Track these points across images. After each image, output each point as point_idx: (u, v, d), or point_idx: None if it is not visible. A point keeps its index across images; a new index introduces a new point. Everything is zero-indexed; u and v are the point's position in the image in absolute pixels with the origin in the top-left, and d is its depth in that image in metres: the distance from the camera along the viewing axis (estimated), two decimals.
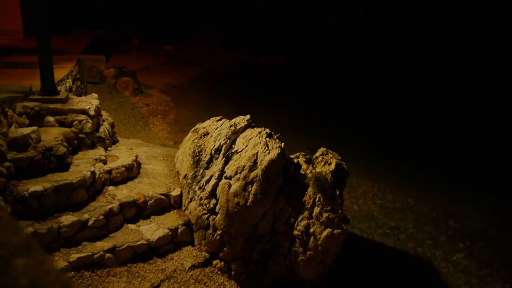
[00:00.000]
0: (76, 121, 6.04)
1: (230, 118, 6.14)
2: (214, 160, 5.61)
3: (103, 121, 6.78)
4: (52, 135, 5.38)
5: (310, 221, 5.01)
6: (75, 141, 5.71)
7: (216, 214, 5.24)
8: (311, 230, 4.98)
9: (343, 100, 16.69)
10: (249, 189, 5.03)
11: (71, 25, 17.10)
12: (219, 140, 5.69)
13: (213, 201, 5.31)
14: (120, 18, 22.52)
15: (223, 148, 5.56)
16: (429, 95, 18.10)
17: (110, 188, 5.49)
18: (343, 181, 5.35)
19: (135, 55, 20.50)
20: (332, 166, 5.20)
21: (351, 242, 6.35)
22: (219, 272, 5.17)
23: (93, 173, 5.16)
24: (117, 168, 5.66)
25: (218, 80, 18.20)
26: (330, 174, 5.10)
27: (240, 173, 5.12)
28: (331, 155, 5.46)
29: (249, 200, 5.00)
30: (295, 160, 5.50)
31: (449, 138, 12.97)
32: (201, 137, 6.09)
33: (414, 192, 8.89)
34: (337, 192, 5.06)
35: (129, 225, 5.18)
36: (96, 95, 7.07)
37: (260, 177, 4.99)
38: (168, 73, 18.03)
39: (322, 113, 14.50)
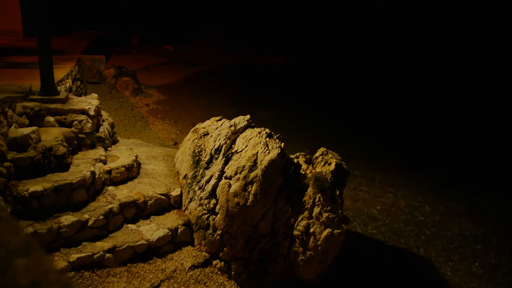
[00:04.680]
0: (76, 121, 6.04)
1: (230, 118, 6.15)
2: (214, 160, 5.61)
3: (103, 121, 6.78)
4: (52, 135, 5.38)
5: (310, 221, 5.01)
6: (75, 141, 5.70)
7: (216, 214, 5.24)
8: (311, 230, 4.98)
9: (343, 100, 16.70)
10: (249, 189, 5.03)
11: (71, 25, 17.10)
12: (219, 140, 5.69)
13: (213, 201, 5.31)
14: (120, 18, 22.52)
15: (223, 148, 5.56)
16: (429, 95, 18.10)
17: (110, 188, 5.49)
18: (343, 181, 5.35)
19: (135, 55, 20.50)
20: (332, 166, 5.20)
21: (351, 242, 6.35)
22: (219, 272, 5.17)
23: (93, 173, 5.16)
24: (117, 168, 5.66)
25: (218, 80, 18.20)
26: (330, 174, 5.10)
27: (240, 173, 5.12)
28: (331, 155, 5.47)
29: (249, 200, 5.00)
30: (295, 160, 5.50)
31: (449, 138, 12.97)
32: (201, 137, 6.09)
33: (414, 192, 8.89)
34: (337, 192, 5.06)
35: (129, 225, 5.18)
36: (96, 95, 7.07)
37: (260, 177, 4.99)
38: (168, 73, 18.02)
39: (322, 113, 14.50)
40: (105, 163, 5.72)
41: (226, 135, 5.63)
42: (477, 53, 22.08)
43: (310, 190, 5.07)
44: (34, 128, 5.18)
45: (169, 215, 5.54)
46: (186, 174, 5.86)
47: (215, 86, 16.96)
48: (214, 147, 5.69)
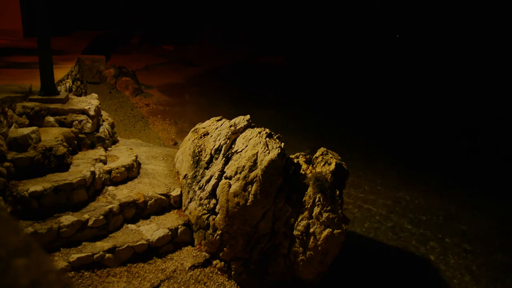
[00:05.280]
0: (76, 121, 6.04)
1: (230, 118, 6.15)
2: (214, 160, 5.61)
3: (103, 121, 6.78)
4: (52, 135, 5.38)
5: (310, 221, 5.01)
6: (75, 141, 5.70)
7: (216, 214, 5.24)
8: (311, 230, 4.98)
9: (343, 100, 16.69)
10: (249, 189, 5.03)
11: (71, 25, 17.10)
12: (219, 140, 5.69)
13: (213, 201, 5.31)
14: (120, 18, 22.51)
15: (223, 148, 5.56)
16: (429, 95, 18.10)
17: (110, 188, 5.49)
18: (343, 181, 5.34)
19: (135, 55, 20.51)
20: (332, 166, 5.20)
21: (351, 242, 6.35)
22: (219, 272, 5.17)
23: (93, 173, 5.16)
24: (117, 168, 5.66)
25: (218, 80, 18.20)
26: (330, 174, 5.10)
27: (240, 173, 5.12)
28: (331, 155, 5.46)
29: (249, 200, 5.00)
30: (295, 160, 5.50)
31: (449, 138, 12.97)
32: (201, 137, 6.09)
33: (414, 192, 8.89)
34: (337, 192, 5.06)
35: (129, 225, 5.18)
36: (96, 95, 7.07)
37: (260, 177, 4.99)
38: (168, 73, 18.03)
39: (322, 113, 14.50)
40: (105, 163, 5.72)
41: (226, 135, 5.63)
42: (477, 53, 22.06)
43: (310, 190, 5.07)
44: (34, 128, 5.18)
45: (169, 215, 5.54)
46: (186, 174, 5.86)
47: (215, 86, 16.96)
48: (214, 147, 5.69)
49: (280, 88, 17.71)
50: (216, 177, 5.36)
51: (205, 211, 5.32)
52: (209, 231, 5.26)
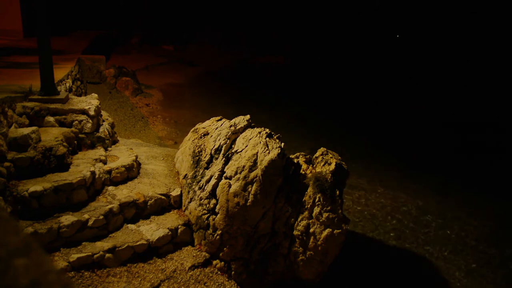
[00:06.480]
0: (76, 121, 6.04)
1: (230, 118, 6.15)
2: (214, 160, 5.61)
3: (103, 121, 6.78)
4: (52, 135, 5.38)
5: (310, 221, 5.01)
6: (75, 141, 5.70)
7: (216, 214, 5.24)
8: (311, 230, 4.98)
9: (343, 100, 16.70)
10: (249, 189, 5.03)
11: (71, 25, 17.10)
12: (219, 140, 5.69)
13: (213, 201, 5.31)
14: (120, 18, 22.52)
15: (223, 148, 5.56)
16: (429, 95, 18.10)
17: (110, 188, 5.49)
18: (343, 181, 5.35)
19: (135, 55, 20.51)
20: (332, 166, 5.20)
21: (351, 242, 6.35)
22: (219, 272, 5.17)
23: (93, 173, 5.16)
24: (117, 168, 5.66)
25: (218, 80, 18.21)
26: (330, 174, 5.10)
27: (240, 173, 5.12)
28: (331, 155, 5.47)
29: (249, 200, 5.00)
30: (295, 160, 5.50)
31: (449, 138, 12.97)
32: (201, 137, 6.09)
33: (414, 192, 8.89)
34: (337, 192, 5.06)
35: (129, 225, 5.18)
36: (96, 95, 7.07)
37: (260, 177, 4.99)
38: (168, 73, 18.02)
39: (322, 113, 14.51)
40: (105, 163, 5.72)
41: (226, 135, 5.63)
42: (477, 53, 22.06)
43: (310, 190, 5.07)
44: (34, 128, 5.18)
45: (169, 215, 5.54)
46: (186, 174, 5.86)
47: (215, 86, 16.96)
48: (214, 147, 5.69)
49: (280, 88, 17.71)
50: (216, 177, 5.36)
51: (205, 211, 5.32)
52: (209, 231, 5.26)
